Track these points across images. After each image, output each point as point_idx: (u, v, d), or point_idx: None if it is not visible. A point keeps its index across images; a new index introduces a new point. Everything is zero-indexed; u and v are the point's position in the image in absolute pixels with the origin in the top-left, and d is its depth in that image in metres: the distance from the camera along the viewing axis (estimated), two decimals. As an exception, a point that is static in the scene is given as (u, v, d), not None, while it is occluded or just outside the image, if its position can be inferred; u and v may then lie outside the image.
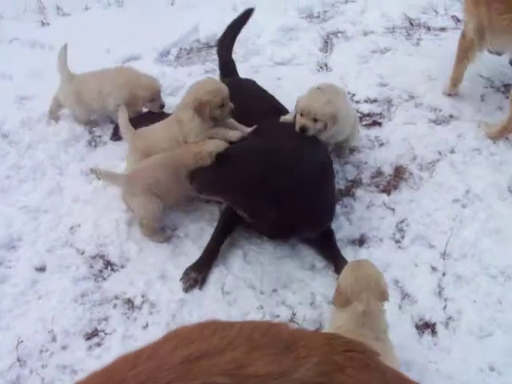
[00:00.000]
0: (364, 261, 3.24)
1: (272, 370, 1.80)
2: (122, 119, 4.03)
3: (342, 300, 2.95)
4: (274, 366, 1.81)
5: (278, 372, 1.80)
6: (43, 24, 5.66)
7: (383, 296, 2.99)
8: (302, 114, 3.88)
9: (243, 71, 4.93)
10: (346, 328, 2.85)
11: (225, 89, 3.92)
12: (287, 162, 3.57)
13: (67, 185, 4.23)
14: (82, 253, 3.83)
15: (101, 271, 3.75)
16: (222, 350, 1.82)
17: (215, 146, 3.73)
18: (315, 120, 3.86)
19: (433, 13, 5.71)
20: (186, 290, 3.63)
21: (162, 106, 4.47)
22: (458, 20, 5.56)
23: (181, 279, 3.67)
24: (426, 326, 3.47)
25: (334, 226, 3.90)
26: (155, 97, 4.43)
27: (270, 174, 3.46)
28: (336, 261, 3.70)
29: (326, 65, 5.16)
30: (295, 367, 1.81)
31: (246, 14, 4.81)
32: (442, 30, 5.52)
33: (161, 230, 3.91)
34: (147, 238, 3.86)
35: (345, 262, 3.51)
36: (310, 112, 3.85)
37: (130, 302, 3.58)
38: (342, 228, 3.93)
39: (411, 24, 5.59)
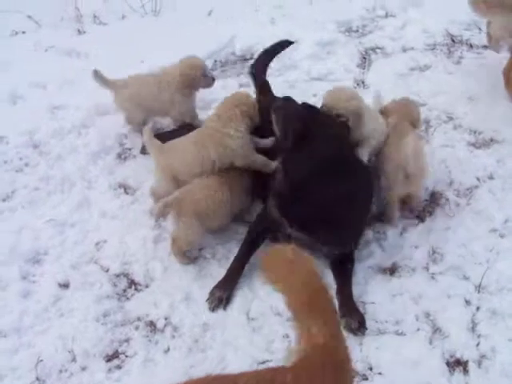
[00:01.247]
0: None
1: None
2: (146, 135, 3.97)
3: None
4: None
5: None
6: (80, 32, 5.65)
7: None
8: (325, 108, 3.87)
9: (278, 86, 4.82)
10: None
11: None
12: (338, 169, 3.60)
13: (95, 198, 4.19)
14: (107, 270, 3.78)
15: (124, 290, 3.69)
16: None
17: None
18: (338, 116, 3.81)
19: (476, 30, 5.54)
20: (212, 309, 3.56)
21: (213, 79, 4.51)
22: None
23: (207, 300, 3.59)
24: (457, 364, 3.33)
25: (365, 252, 3.80)
26: (205, 72, 4.43)
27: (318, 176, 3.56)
28: (341, 296, 3.57)
29: (363, 82, 5.04)
30: None
31: (285, 45, 4.80)
32: (485, 47, 5.31)
33: (189, 253, 3.82)
34: (174, 256, 3.78)
35: (350, 302, 3.53)
36: (332, 106, 3.83)
37: (152, 325, 3.51)
38: (374, 255, 3.81)
39: (453, 41, 5.43)
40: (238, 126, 3.86)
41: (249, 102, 3.95)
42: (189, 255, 3.81)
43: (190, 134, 4.02)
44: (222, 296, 3.58)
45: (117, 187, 4.24)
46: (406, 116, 4.10)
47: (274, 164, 3.90)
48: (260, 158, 3.93)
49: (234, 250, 3.82)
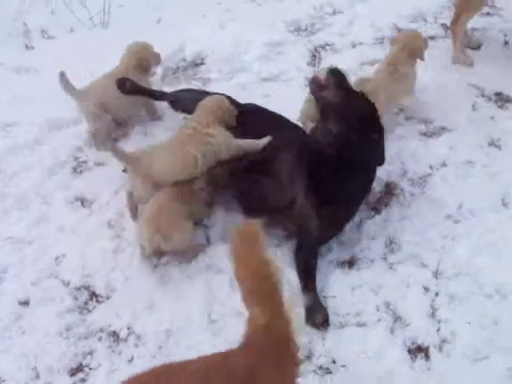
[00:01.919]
0: None
1: None
2: (114, 148, 3.88)
3: None
4: None
5: None
6: (28, 48, 5.59)
7: None
8: None
9: (229, 89, 4.83)
10: None
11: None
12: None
13: (52, 214, 4.16)
14: (67, 284, 3.76)
15: (86, 303, 3.67)
16: None
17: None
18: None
19: (422, 22, 5.63)
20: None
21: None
22: (447, 27, 5.46)
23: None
24: (418, 350, 3.38)
25: (323, 247, 3.83)
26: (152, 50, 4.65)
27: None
28: (306, 292, 3.62)
29: (314, 79, 5.06)
30: None
31: None
32: (432, 38, 5.40)
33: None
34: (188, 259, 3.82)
35: (315, 297, 3.57)
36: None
37: (115, 335, 3.50)
38: (332, 249, 3.85)
39: (401, 34, 5.49)
40: (215, 128, 3.90)
41: (223, 107, 3.97)
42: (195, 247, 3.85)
43: (168, 139, 4.03)
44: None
45: (74, 201, 4.21)
46: (406, 46, 4.49)
47: (262, 141, 3.94)
48: (244, 142, 3.95)
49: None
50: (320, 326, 3.48)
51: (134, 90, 4.48)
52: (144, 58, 4.53)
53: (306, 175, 3.77)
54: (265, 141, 3.94)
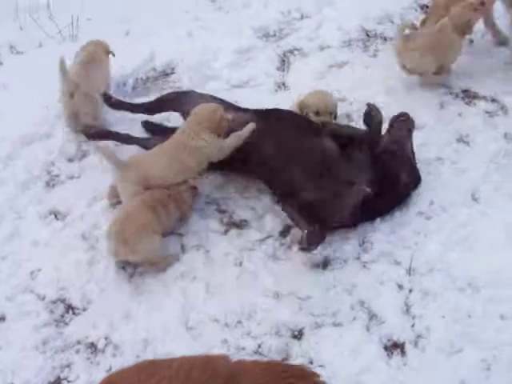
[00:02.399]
0: None
1: None
2: (106, 153, 4.00)
3: None
4: None
5: None
6: (-4, 64, 5.59)
7: None
8: (317, 113, 4.28)
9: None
10: None
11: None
12: None
13: (26, 228, 4.15)
14: (43, 298, 3.76)
15: (62, 316, 3.67)
16: None
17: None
18: (330, 114, 4.32)
19: (389, 23, 5.67)
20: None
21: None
22: (414, 28, 5.52)
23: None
24: (394, 347, 3.42)
25: (294, 248, 3.88)
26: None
27: None
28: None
29: (283, 84, 5.11)
30: None
31: None
32: (399, 39, 5.47)
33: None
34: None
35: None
36: (326, 108, 4.31)
37: (92, 346, 3.51)
38: (305, 251, 3.86)
39: (368, 36, 5.55)
40: (205, 138, 3.95)
41: (212, 119, 3.98)
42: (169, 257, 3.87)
43: (160, 146, 4.08)
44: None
45: (47, 215, 4.20)
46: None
47: (244, 133, 4.02)
48: (231, 141, 4.02)
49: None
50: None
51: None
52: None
53: None
54: (247, 130, 4.01)
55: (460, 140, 4.51)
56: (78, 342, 3.53)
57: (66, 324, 3.63)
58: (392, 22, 5.66)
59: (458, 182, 4.22)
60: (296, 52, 5.45)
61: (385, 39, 5.50)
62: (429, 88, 4.90)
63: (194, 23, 5.75)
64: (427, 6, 5.79)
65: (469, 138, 4.53)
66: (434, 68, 4.83)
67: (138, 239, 3.69)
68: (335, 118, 4.39)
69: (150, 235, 3.75)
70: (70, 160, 4.55)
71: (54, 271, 3.87)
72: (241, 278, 3.76)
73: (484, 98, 4.85)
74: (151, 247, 3.74)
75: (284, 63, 5.34)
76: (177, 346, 3.45)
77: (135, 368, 2.17)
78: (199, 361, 2.19)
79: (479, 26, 5.14)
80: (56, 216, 4.19)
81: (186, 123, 4.10)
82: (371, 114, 4.16)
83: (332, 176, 3.91)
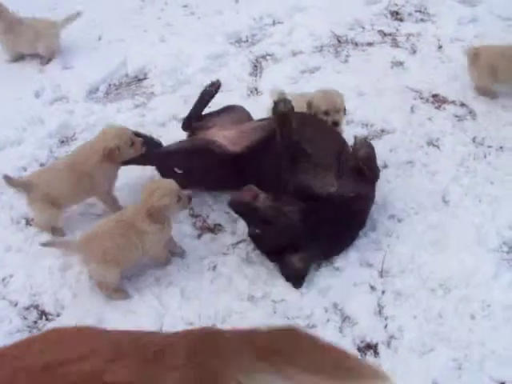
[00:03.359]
0: None
1: (132, 380, 1.79)
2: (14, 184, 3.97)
3: None
4: (136, 375, 1.81)
5: (138, 381, 1.80)
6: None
7: None
8: (327, 113, 4.18)
9: (173, 102, 4.91)
10: None
11: (126, 129, 3.99)
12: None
13: (-2, 234, 4.12)
14: (15, 304, 3.72)
15: (35, 322, 3.64)
16: (84, 357, 1.83)
17: (165, 198, 3.59)
18: (338, 112, 4.22)
19: (359, 28, 5.75)
20: None
21: None
22: (385, 34, 5.62)
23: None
24: (367, 348, 3.45)
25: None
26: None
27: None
28: None
29: (256, 89, 5.15)
30: (159, 376, 1.81)
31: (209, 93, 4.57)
32: (370, 44, 5.56)
33: (121, 287, 3.76)
34: (109, 297, 3.72)
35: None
36: (335, 107, 4.20)
37: (66, 352, 3.48)
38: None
39: (339, 41, 5.62)
40: (96, 167, 3.93)
41: (106, 144, 3.89)
42: (123, 292, 3.75)
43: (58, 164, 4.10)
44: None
45: (20, 220, 4.18)
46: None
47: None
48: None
49: (144, 269, 3.85)
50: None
51: None
52: None
53: None
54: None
55: (430, 143, 4.58)
56: (52, 348, 3.51)
57: (39, 330, 3.59)
58: (363, 27, 5.75)
59: (428, 184, 4.29)
60: (268, 57, 5.50)
61: (356, 44, 5.58)
62: (400, 93, 4.97)
63: (167, 29, 5.78)
64: (397, 13, 5.89)
65: (439, 141, 4.61)
66: None
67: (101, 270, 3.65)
68: (345, 113, 4.33)
69: (110, 268, 3.64)
70: (42, 165, 4.52)
71: (26, 277, 3.84)
72: (215, 282, 3.77)
73: (453, 102, 4.94)
74: (108, 280, 3.70)
75: (256, 68, 5.38)
76: (151, 350, 3.45)
77: (77, 329, 2.18)
78: (135, 334, 2.16)
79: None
80: (28, 222, 4.16)
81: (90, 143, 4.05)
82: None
83: None
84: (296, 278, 3.73)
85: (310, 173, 3.86)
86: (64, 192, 3.96)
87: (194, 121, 4.40)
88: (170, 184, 3.64)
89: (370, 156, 3.97)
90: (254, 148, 4.01)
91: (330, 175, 3.88)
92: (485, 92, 4.91)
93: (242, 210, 3.74)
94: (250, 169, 3.98)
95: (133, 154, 3.97)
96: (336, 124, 4.21)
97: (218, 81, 4.54)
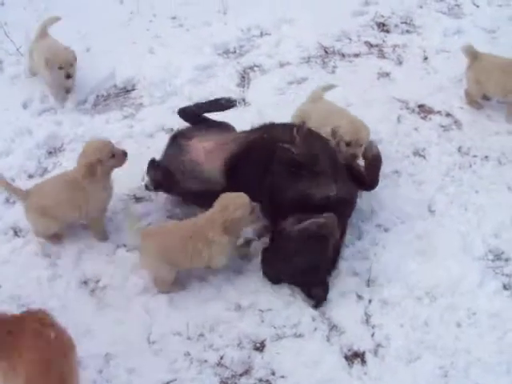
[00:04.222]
0: None
1: None
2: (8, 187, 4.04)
3: None
4: None
5: None
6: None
7: None
8: (348, 144, 4.14)
9: (161, 113, 4.93)
10: None
11: (108, 141, 4.02)
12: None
13: (-15, 246, 4.11)
14: (4, 315, 3.71)
15: (23, 332, 3.63)
16: None
17: (239, 211, 3.68)
18: (360, 146, 4.18)
19: (346, 40, 5.80)
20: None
21: (69, 76, 5.01)
22: (371, 45, 5.67)
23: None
24: (355, 356, 3.49)
25: (255, 261, 3.93)
26: (63, 65, 4.95)
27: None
28: None
29: (243, 100, 5.18)
30: None
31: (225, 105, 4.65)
32: (356, 55, 5.61)
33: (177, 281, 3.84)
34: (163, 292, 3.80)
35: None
36: (358, 141, 4.16)
37: (54, 362, 3.48)
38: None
39: (326, 52, 5.66)
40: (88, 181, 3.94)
41: (88, 157, 3.91)
42: (179, 284, 3.84)
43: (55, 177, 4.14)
44: None
45: (7, 231, 4.18)
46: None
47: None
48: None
49: (130, 278, 3.87)
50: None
51: None
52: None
53: None
54: None
55: (416, 153, 4.63)
56: (40, 359, 3.51)
57: (27, 341, 3.60)
58: (350, 39, 5.80)
59: (414, 194, 4.34)
60: (256, 68, 5.53)
61: (343, 56, 5.62)
62: (386, 103, 5.02)
63: (155, 40, 5.79)
64: (384, 24, 5.95)
65: (425, 151, 4.66)
66: None
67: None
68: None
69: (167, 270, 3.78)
70: (31, 176, 4.54)
71: (14, 288, 3.85)
72: (203, 292, 3.79)
73: (439, 112, 5.00)
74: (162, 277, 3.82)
75: (244, 79, 5.41)
76: (139, 359, 3.47)
77: None
78: None
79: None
80: (16, 233, 4.17)
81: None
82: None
83: None
84: (318, 303, 3.73)
85: (311, 180, 3.89)
86: (58, 204, 3.96)
87: (190, 113, 4.53)
88: (243, 197, 3.71)
89: (379, 157, 4.13)
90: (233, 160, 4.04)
91: (328, 180, 3.92)
92: (471, 100, 4.99)
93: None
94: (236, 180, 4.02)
95: (116, 165, 3.99)
96: (354, 157, 4.18)
97: (235, 101, 4.78)
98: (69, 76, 4.98)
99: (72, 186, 3.95)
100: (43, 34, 5.21)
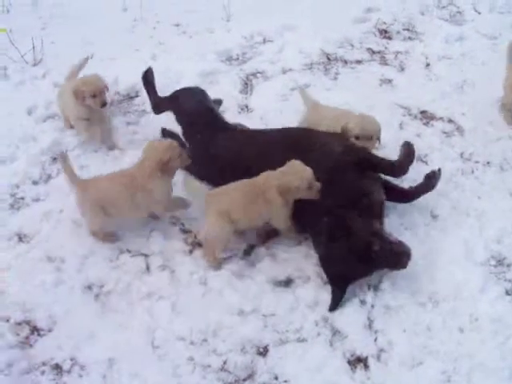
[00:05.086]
0: None
1: None
2: (65, 166, 4.02)
3: None
4: None
5: None
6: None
7: None
8: (357, 138, 4.19)
9: (164, 118, 4.93)
10: None
11: (174, 141, 4.06)
12: None
13: (-10, 252, 4.13)
14: (7, 320, 3.72)
15: (27, 338, 3.65)
16: None
17: (299, 181, 3.77)
18: (369, 140, 4.22)
19: (349, 46, 5.84)
20: None
21: (104, 104, 4.65)
22: (373, 52, 5.71)
23: None
24: (358, 361, 3.50)
25: (259, 266, 3.97)
26: (96, 93, 4.58)
27: None
28: None
29: (246, 106, 5.21)
30: None
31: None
32: (358, 62, 5.66)
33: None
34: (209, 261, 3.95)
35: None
36: (367, 133, 4.22)
37: (58, 367, 3.50)
38: (267, 269, 3.94)
39: (328, 59, 5.70)
40: (150, 181, 3.96)
41: (160, 157, 3.94)
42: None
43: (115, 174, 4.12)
44: None
45: (12, 237, 4.19)
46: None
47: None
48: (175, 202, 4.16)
49: (134, 283, 3.88)
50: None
51: None
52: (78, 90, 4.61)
53: None
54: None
55: (419, 159, 4.64)
56: (44, 364, 3.52)
57: (31, 346, 3.61)
58: (352, 45, 5.85)
59: (417, 200, 4.33)
60: (259, 75, 5.57)
61: (345, 62, 5.67)
62: (389, 109, 5.05)
63: (158, 47, 5.85)
64: (386, 31, 5.98)
65: (427, 157, 4.68)
66: None
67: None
68: (379, 142, 4.37)
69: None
70: (35, 183, 4.56)
71: (19, 293, 3.85)
72: (206, 297, 3.80)
73: (441, 118, 5.03)
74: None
75: (247, 86, 5.44)
76: (143, 364, 3.48)
77: None
78: None
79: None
80: (21, 238, 4.18)
81: (139, 160, 4.07)
82: None
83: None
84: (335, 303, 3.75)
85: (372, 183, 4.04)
86: (117, 203, 4.01)
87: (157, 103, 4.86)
88: (307, 171, 3.78)
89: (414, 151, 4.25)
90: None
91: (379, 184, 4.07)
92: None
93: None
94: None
95: (181, 164, 4.06)
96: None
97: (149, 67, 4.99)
98: (104, 104, 4.65)
99: (132, 186, 3.97)
100: (72, 76, 5.00)
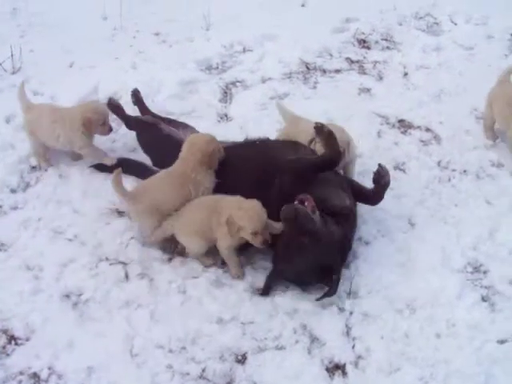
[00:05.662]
0: None
1: None
2: (115, 181, 4.01)
3: None
4: None
5: None
6: None
7: None
8: (311, 142, 4.27)
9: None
10: None
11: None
12: None
13: (-34, 260, 4.10)
14: (-16, 329, 3.71)
15: (4, 347, 3.61)
16: None
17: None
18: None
19: (328, 56, 5.91)
20: None
21: (111, 130, 4.64)
22: (352, 61, 5.77)
23: None
24: (336, 368, 3.52)
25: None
26: (106, 121, 4.56)
27: None
28: None
29: (226, 115, 5.23)
30: None
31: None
32: (337, 71, 5.72)
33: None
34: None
35: None
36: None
37: (36, 376, 3.47)
38: (246, 277, 3.96)
39: (307, 68, 5.75)
40: (198, 172, 4.06)
41: (204, 150, 4.04)
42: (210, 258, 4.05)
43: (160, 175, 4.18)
44: None
45: (-12, 245, 4.18)
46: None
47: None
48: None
49: (112, 291, 3.86)
50: None
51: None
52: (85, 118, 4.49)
53: None
54: None
55: (396, 167, 4.70)
56: (21, 373, 3.48)
57: (8, 355, 3.57)
58: (331, 55, 5.90)
59: (395, 207, 4.39)
60: (238, 84, 5.60)
61: (324, 71, 5.72)
62: (367, 118, 5.09)
63: (138, 56, 5.86)
64: (364, 41, 6.05)
65: (405, 165, 4.73)
66: None
67: None
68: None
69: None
70: (13, 191, 4.53)
71: (-4, 302, 3.84)
72: (185, 305, 3.79)
73: (418, 127, 5.10)
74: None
75: (226, 95, 5.47)
76: (121, 373, 3.46)
77: None
78: None
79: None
80: (-2, 247, 4.17)
81: (180, 156, 4.14)
82: None
83: None
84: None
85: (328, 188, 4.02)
86: (167, 200, 4.07)
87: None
88: (259, 218, 3.74)
89: (389, 183, 4.20)
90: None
91: (340, 191, 4.05)
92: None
93: (300, 219, 3.69)
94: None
95: (221, 158, 4.16)
96: None
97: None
98: (111, 130, 4.63)
99: (181, 181, 4.05)
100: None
